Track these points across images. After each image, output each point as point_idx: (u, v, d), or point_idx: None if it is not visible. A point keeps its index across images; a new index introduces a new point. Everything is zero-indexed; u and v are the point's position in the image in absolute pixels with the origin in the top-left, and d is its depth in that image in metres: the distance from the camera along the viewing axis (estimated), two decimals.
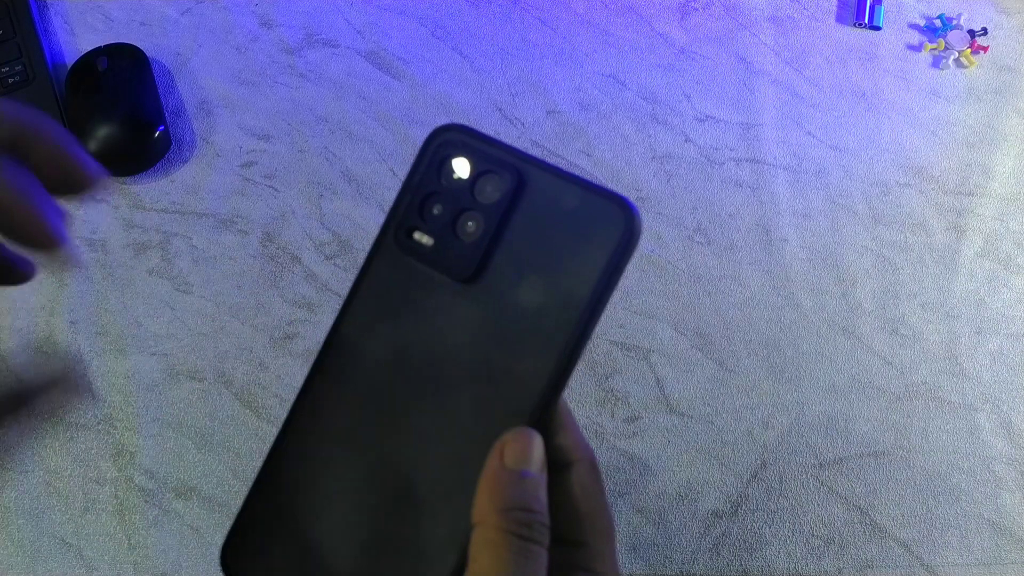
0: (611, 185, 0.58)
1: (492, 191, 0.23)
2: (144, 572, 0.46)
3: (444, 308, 0.23)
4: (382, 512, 0.23)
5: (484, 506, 0.21)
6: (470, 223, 0.23)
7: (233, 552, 0.24)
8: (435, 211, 0.24)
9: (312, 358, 0.25)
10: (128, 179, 0.57)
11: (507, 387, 0.22)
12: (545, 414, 0.22)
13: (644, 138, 0.60)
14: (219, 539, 0.38)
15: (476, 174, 0.23)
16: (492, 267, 0.23)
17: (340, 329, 0.25)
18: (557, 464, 0.23)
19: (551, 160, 0.58)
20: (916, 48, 0.65)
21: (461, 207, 0.23)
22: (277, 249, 0.55)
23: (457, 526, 0.22)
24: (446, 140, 0.24)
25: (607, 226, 0.22)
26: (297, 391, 0.25)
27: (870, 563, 0.48)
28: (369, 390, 0.24)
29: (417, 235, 0.24)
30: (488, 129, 0.60)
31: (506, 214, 0.23)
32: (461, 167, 0.24)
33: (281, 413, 0.42)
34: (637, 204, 0.23)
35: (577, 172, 0.58)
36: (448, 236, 0.23)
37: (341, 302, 0.25)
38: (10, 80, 0.58)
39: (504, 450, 0.21)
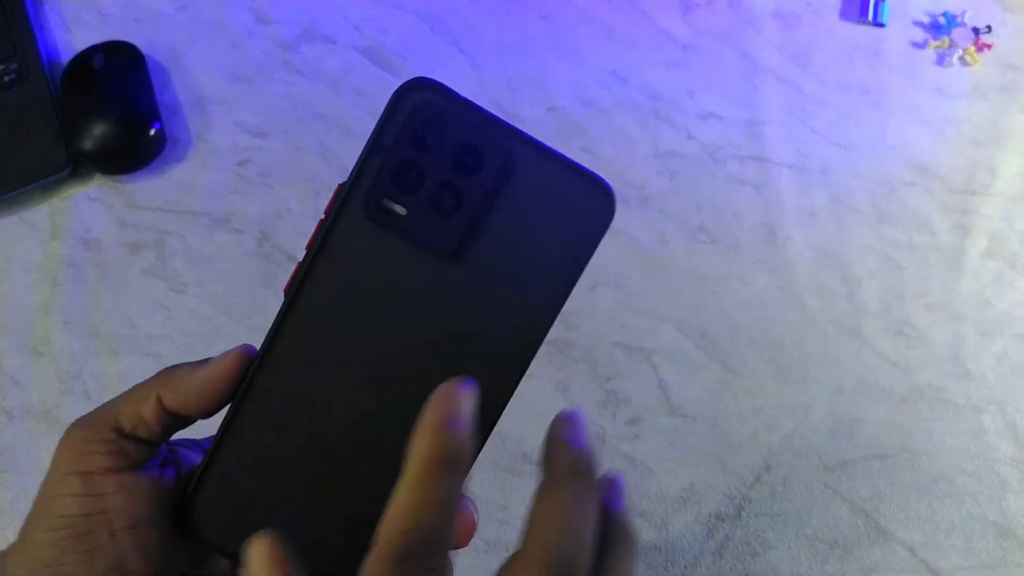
0: (613, 182, 0.57)
1: (475, 164, 0.22)
2: None
3: (419, 280, 0.22)
4: (341, 480, 0.23)
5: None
6: (451, 197, 0.22)
7: (193, 507, 0.24)
8: (410, 181, 0.22)
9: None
10: (123, 177, 0.57)
11: (479, 361, 0.23)
12: (513, 389, 0.23)
13: (646, 135, 0.60)
14: None
15: (458, 144, 0.22)
16: (471, 242, 0.22)
17: (301, 295, 0.23)
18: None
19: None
20: (921, 45, 0.64)
21: (442, 179, 0.22)
22: (273, 248, 0.55)
23: None
24: (422, 101, 0.22)
25: (587, 207, 0.22)
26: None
27: (875, 566, 0.48)
28: (334, 360, 0.23)
29: (388, 203, 0.22)
30: None
31: (490, 189, 0.22)
32: (441, 134, 0.22)
33: None
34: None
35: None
36: (426, 209, 0.22)
37: (294, 265, 0.24)
38: (5, 78, 0.57)
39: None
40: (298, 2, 0.64)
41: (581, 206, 0.22)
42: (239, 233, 0.55)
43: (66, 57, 0.59)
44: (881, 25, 0.65)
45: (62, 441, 0.24)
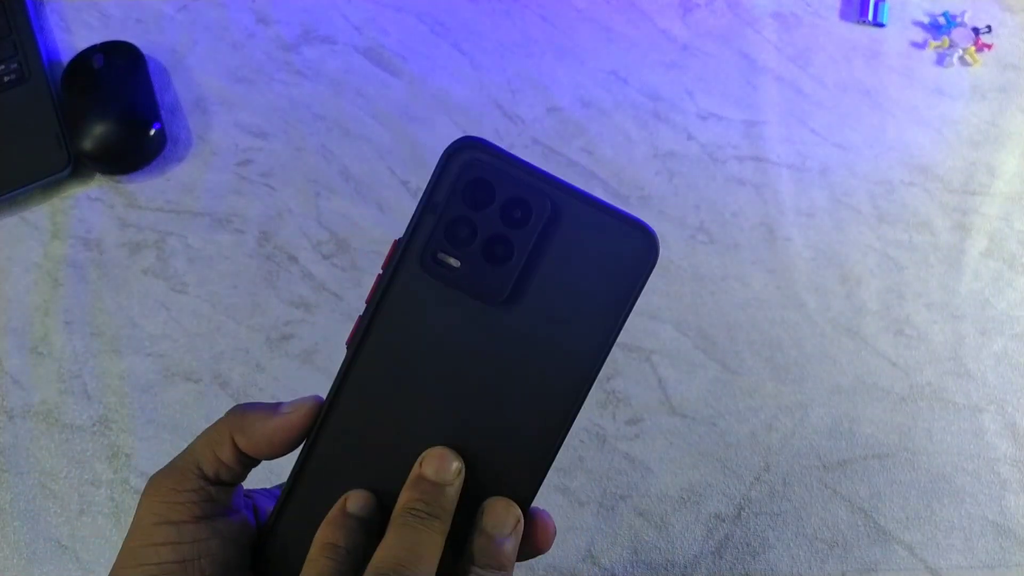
0: (613, 183, 0.57)
1: (523, 217, 0.23)
2: None
3: (472, 327, 0.24)
4: None
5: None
6: (502, 248, 0.23)
7: (265, 559, 0.26)
8: (463, 235, 0.24)
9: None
10: (123, 177, 0.57)
11: (534, 402, 0.24)
12: (569, 427, 0.24)
13: (646, 136, 0.60)
14: None
15: (506, 199, 0.23)
16: (522, 290, 0.24)
17: (363, 347, 0.25)
18: None
19: (554, 155, 0.58)
20: (920, 45, 0.64)
21: (492, 232, 0.23)
22: (274, 248, 0.55)
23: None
24: (469, 161, 0.23)
25: (631, 252, 0.23)
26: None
27: (874, 566, 0.48)
28: (397, 408, 0.25)
29: (443, 257, 0.24)
30: (488, 127, 0.60)
31: (538, 240, 0.23)
32: (489, 191, 0.23)
33: None
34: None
35: (582, 173, 0.58)
36: (479, 261, 0.23)
37: (351, 315, 0.25)
38: (5, 79, 0.57)
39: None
40: (298, 3, 0.64)
41: (625, 250, 0.23)
42: (240, 233, 0.55)
43: (66, 57, 0.59)
44: (881, 25, 0.65)
45: (147, 492, 0.25)
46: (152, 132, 0.56)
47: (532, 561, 0.45)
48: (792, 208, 0.58)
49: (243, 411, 0.26)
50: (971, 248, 0.57)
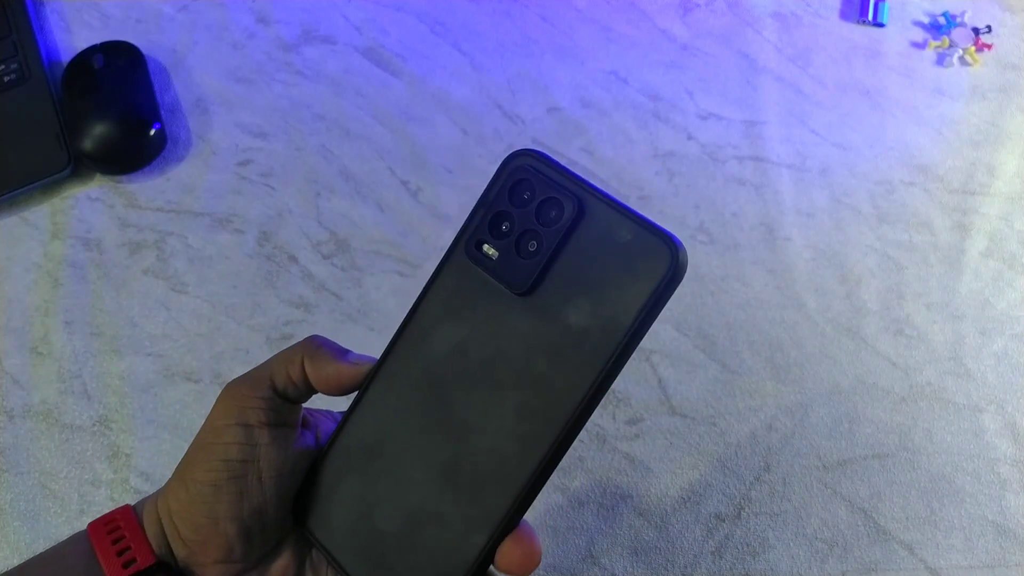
0: (613, 183, 0.57)
1: (554, 216, 0.25)
2: None
3: (500, 315, 0.26)
4: (429, 489, 0.27)
5: None
6: (532, 243, 0.26)
7: (302, 505, 0.29)
8: (503, 228, 0.26)
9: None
10: (123, 178, 0.57)
11: (547, 394, 0.25)
12: (579, 426, 0.25)
13: (646, 136, 0.60)
14: None
15: (542, 199, 0.26)
16: (546, 284, 0.25)
17: (412, 320, 0.27)
18: None
19: (554, 155, 0.58)
20: (920, 45, 0.64)
21: (525, 227, 0.26)
22: (274, 248, 0.55)
23: (488, 510, 0.25)
24: (520, 165, 0.26)
25: (654, 261, 0.24)
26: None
27: (874, 566, 0.48)
28: (429, 378, 0.27)
29: (486, 247, 0.26)
30: (488, 127, 0.60)
31: (564, 238, 0.25)
32: (530, 191, 0.26)
33: None
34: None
35: (581, 172, 0.58)
36: (511, 252, 0.26)
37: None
38: (5, 79, 0.57)
39: None
40: (298, 3, 0.64)
41: (647, 258, 0.24)
42: (240, 233, 0.55)
43: (66, 57, 0.59)
44: (881, 25, 0.65)
45: (223, 396, 0.28)
46: (152, 132, 0.56)
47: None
48: (792, 208, 0.58)
49: (318, 344, 0.28)
50: (971, 248, 0.57)
